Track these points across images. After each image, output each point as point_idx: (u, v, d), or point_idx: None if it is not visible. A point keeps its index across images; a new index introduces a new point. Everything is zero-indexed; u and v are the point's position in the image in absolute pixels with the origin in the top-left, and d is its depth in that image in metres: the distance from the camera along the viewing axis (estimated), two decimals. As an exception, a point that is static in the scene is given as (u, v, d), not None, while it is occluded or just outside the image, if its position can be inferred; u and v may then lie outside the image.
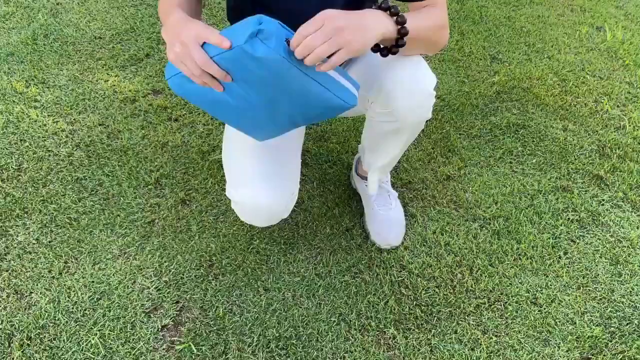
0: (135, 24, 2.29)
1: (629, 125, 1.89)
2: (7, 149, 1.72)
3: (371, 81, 1.13)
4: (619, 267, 1.44)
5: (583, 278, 1.42)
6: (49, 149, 1.73)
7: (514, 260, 1.46)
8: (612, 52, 2.25)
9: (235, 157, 1.16)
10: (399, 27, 0.91)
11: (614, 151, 1.78)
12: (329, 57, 0.84)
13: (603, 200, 1.63)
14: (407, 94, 1.07)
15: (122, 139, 1.77)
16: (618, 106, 1.98)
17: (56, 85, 1.97)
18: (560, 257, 1.47)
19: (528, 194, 1.64)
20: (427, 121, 1.86)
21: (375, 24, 0.87)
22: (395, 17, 0.91)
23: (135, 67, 2.06)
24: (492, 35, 2.32)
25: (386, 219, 1.50)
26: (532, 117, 1.90)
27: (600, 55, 2.23)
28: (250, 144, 1.16)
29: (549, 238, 1.52)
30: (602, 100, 1.99)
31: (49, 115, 1.85)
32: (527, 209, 1.59)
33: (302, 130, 1.34)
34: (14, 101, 1.88)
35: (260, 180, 1.11)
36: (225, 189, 1.52)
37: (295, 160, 1.23)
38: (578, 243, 1.51)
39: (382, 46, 0.97)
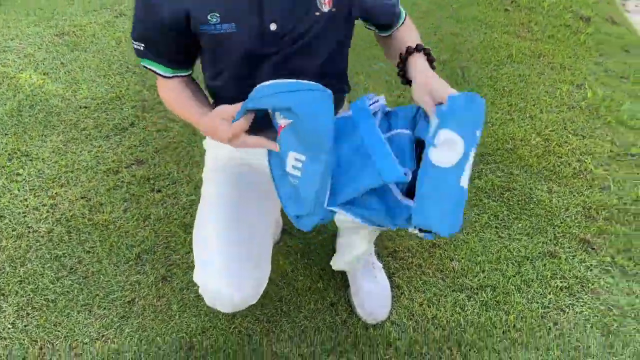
0: (120, 92, 2.30)
1: (614, 185, 1.89)
2: (-14, 226, 1.69)
3: None
4: (610, 337, 1.41)
5: (575, 351, 1.38)
6: (29, 225, 1.71)
7: (503, 333, 1.42)
8: (593, 110, 2.27)
9: (203, 241, 1.11)
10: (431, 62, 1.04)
11: (599, 213, 1.77)
12: None
13: (591, 265, 1.61)
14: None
15: (103, 212, 1.75)
16: (602, 165, 1.98)
17: (39, 157, 1.96)
18: (550, 329, 1.43)
19: (515, 261, 1.61)
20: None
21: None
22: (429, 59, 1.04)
23: (120, 137, 2.06)
24: (474, 95, 2.34)
25: (371, 292, 1.47)
26: (516, 180, 1.90)
27: (582, 113, 2.25)
28: (221, 227, 1.11)
29: (538, 308, 1.48)
30: (586, 160, 1.99)
31: (30, 190, 1.83)
32: (514, 276, 1.57)
33: (277, 207, 1.29)
34: (-5, 175, 1.87)
35: (224, 269, 1.05)
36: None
37: (265, 242, 1.17)
38: (568, 312, 1.47)
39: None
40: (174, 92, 1.10)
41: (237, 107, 0.95)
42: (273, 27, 0.98)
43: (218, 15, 0.96)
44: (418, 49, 1.03)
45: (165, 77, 1.08)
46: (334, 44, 1.08)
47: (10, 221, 1.72)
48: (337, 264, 1.47)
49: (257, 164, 1.20)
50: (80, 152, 2.00)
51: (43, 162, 1.94)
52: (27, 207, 1.77)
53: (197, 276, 1.09)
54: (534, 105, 2.29)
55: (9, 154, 1.97)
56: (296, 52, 1.03)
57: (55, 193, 1.82)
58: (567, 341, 1.40)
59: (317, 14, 1.01)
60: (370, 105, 1.03)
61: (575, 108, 2.29)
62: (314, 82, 0.91)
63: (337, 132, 0.99)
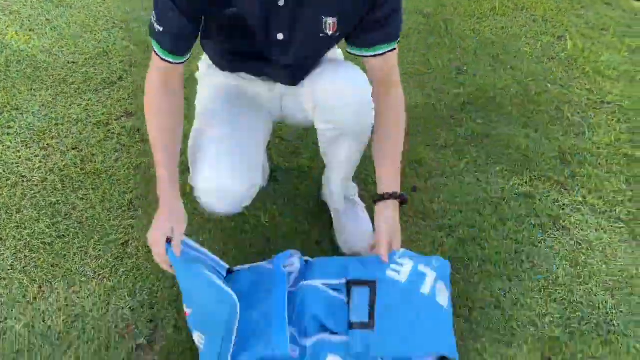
0: (107, 48, 2.32)
1: (589, 131, 1.96)
2: (-20, 176, 1.74)
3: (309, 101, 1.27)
4: (578, 269, 1.50)
5: (544, 280, 1.47)
6: (22, 174, 1.75)
7: (478, 266, 1.51)
8: (572, 61, 2.33)
9: (203, 146, 1.25)
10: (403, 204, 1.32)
11: (574, 157, 1.85)
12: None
13: (564, 205, 1.69)
14: (343, 104, 1.21)
15: (95, 162, 1.80)
16: (578, 113, 2.05)
17: (29, 111, 1.99)
18: (522, 262, 1.52)
19: (492, 202, 1.69)
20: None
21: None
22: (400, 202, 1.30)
23: (108, 91, 2.10)
24: (457, 47, 2.39)
25: (354, 230, 1.54)
26: (496, 127, 1.97)
27: (561, 64, 2.31)
28: (217, 135, 1.26)
29: (512, 243, 1.57)
30: (563, 108, 2.06)
31: (22, 142, 1.87)
32: (490, 216, 1.65)
33: (269, 127, 1.43)
34: (-13, 128, 1.91)
35: (225, 165, 1.22)
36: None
37: (259, 154, 1.34)
38: (539, 247, 1.56)
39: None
40: (163, 100, 1.20)
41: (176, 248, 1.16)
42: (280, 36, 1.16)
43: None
44: (390, 196, 1.28)
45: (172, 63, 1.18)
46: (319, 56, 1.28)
47: (4, 171, 1.76)
48: (324, 195, 1.60)
49: (252, 91, 1.35)
50: (70, 105, 2.03)
51: (33, 116, 1.97)
52: (19, 157, 1.81)
53: (194, 178, 1.24)
54: (515, 57, 2.34)
55: (0, 108, 2.00)
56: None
57: (47, 144, 1.87)
58: (537, 272, 1.49)
59: (322, 35, 1.15)
60: (286, 266, 1.27)
61: (555, 59, 2.34)
62: (225, 288, 1.12)
63: (250, 296, 1.22)
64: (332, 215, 1.61)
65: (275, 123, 1.49)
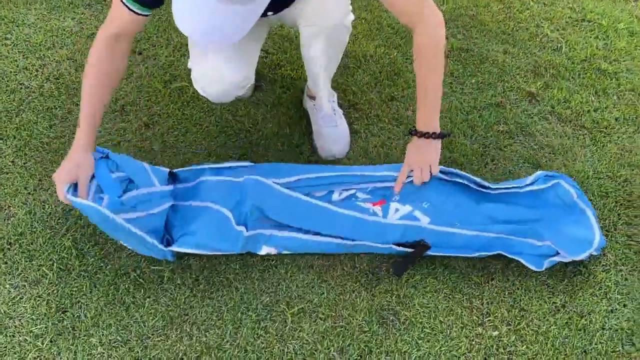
0: (99, -37, 2.36)
1: (565, 47, 2.02)
2: (-20, 83, 1.84)
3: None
4: (539, 170, 1.60)
5: (506, 175, 1.58)
6: (21, 82, 1.85)
7: (446, 165, 1.62)
8: (558, -20, 2.35)
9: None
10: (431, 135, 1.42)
11: (548, 70, 1.92)
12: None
13: (532, 113, 1.78)
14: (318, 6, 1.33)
15: (89, 71, 1.89)
16: (557, 30, 2.10)
17: (25, 23, 2.06)
18: (487, 163, 1.63)
19: (464, 110, 1.78)
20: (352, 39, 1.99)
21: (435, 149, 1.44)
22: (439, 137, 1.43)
23: (101, 5, 2.16)
24: (445, -34, 2.40)
25: (331, 135, 1.65)
26: (475, 42, 2.03)
27: (547, -17, 2.33)
28: None
29: (479, 147, 1.67)
30: (543, 25, 2.11)
31: (19, 52, 1.96)
32: (462, 123, 1.74)
33: (265, 29, 1.56)
34: (-15, 40, 1.99)
35: (222, 54, 1.37)
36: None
37: (253, 51, 1.49)
38: (505, 150, 1.67)
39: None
40: (104, 54, 1.29)
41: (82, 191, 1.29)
42: None
43: None
44: (420, 134, 1.40)
45: (137, 13, 1.24)
46: None
47: (2, 79, 1.86)
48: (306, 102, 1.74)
49: None
50: (64, 19, 2.10)
51: (29, 28, 2.05)
52: (17, 67, 1.90)
53: (192, 61, 1.43)
54: (501, -24, 2.36)
55: (-4, 21, 2.07)
56: None
57: (43, 55, 1.95)
58: (500, 172, 1.60)
59: None
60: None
61: (542, -22, 2.36)
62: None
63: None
64: (311, 120, 1.71)
65: (272, 27, 1.57)
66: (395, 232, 1.36)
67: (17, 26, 2.06)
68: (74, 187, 1.30)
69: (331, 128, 1.66)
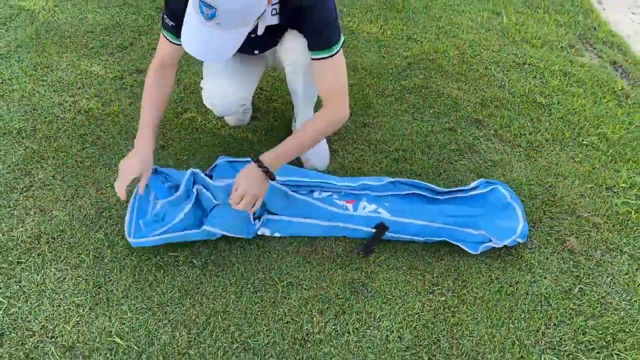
0: (120, 20, 2.80)
1: (508, 85, 2.45)
2: (23, 116, 2.21)
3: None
4: (480, 179, 1.98)
5: (455, 183, 1.96)
6: (57, 114, 2.23)
7: (407, 177, 1.99)
8: (506, 32, 2.81)
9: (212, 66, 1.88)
10: (267, 172, 1.57)
11: (493, 102, 2.34)
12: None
13: (479, 136, 2.18)
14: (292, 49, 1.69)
15: (113, 106, 2.28)
16: (503, 71, 2.54)
17: (58, 68, 2.47)
18: (440, 174, 2.01)
19: (423, 134, 2.18)
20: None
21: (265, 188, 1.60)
22: (264, 169, 1.57)
23: (122, 53, 2.58)
24: (410, 21, 2.87)
25: (314, 151, 2.02)
26: (434, 81, 2.45)
27: (496, 34, 2.79)
28: (228, 62, 1.83)
29: (434, 162, 2.06)
30: (491, 67, 2.55)
31: (54, 91, 2.35)
32: (421, 143, 2.13)
33: (262, 66, 1.96)
34: (25, 81, 2.38)
35: (228, 78, 1.83)
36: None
37: (253, 79, 1.91)
38: (455, 165, 2.05)
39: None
40: (159, 71, 1.70)
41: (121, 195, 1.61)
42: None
43: None
44: (259, 163, 1.56)
45: (173, 43, 1.64)
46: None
47: (41, 113, 2.24)
48: (294, 126, 2.10)
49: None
50: (91, 65, 2.51)
51: (62, 72, 2.45)
52: (53, 103, 2.29)
53: (204, 81, 1.88)
54: (457, 28, 2.82)
55: (34, 66, 2.48)
56: None
57: (75, 93, 2.35)
58: (451, 181, 1.98)
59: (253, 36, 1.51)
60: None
61: (491, 30, 2.83)
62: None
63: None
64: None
65: (267, 66, 2.00)
66: (362, 220, 1.72)
67: (51, 70, 2.46)
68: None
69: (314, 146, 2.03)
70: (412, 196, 1.85)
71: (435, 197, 1.84)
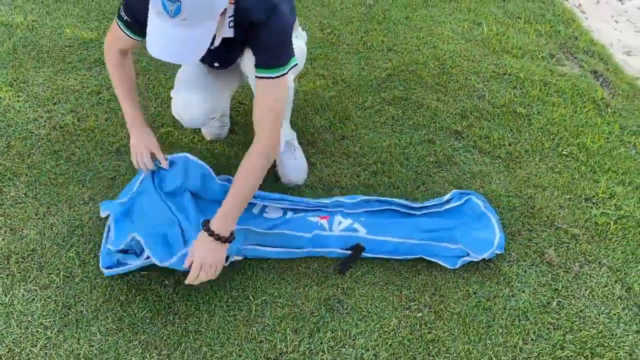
0: (98, 34, 2.78)
1: (488, 95, 2.44)
2: (-3, 132, 2.18)
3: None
4: (460, 189, 1.96)
5: (432, 195, 1.94)
6: (31, 130, 2.20)
7: (384, 190, 1.97)
8: (486, 42, 2.81)
9: (185, 75, 1.85)
10: (220, 238, 1.48)
11: (472, 113, 2.33)
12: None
13: (458, 147, 2.16)
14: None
15: (89, 121, 2.25)
16: (483, 82, 2.53)
17: (35, 83, 2.44)
18: (419, 186, 1.99)
19: (402, 146, 2.16)
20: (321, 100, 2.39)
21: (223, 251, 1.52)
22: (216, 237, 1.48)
23: (99, 68, 2.55)
24: (391, 32, 2.87)
25: (292, 166, 2.00)
26: (414, 92, 2.44)
27: (476, 45, 2.79)
28: (193, 76, 1.84)
29: (413, 174, 2.04)
30: (471, 78, 2.54)
31: (29, 107, 2.32)
32: (399, 155, 2.12)
33: (234, 80, 1.95)
34: (0, 97, 2.35)
35: (194, 91, 1.80)
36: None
37: (223, 92, 1.90)
38: (434, 177, 2.03)
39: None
40: (121, 57, 1.72)
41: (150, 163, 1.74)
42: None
43: None
44: (210, 232, 1.47)
45: (130, 37, 1.65)
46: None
47: (15, 129, 2.21)
48: None
49: None
50: (68, 79, 2.48)
51: (38, 87, 2.42)
52: (28, 118, 2.26)
53: (177, 92, 1.84)
54: (438, 39, 2.82)
55: (10, 82, 2.44)
56: None
57: (50, 109, 2.31)
58: (430, 193, 1.96)
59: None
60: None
61: (472, 41, 2.83)
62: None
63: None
64: (276, 156, 2.06)
65: (242, 81, 1.99)
66: (339, 241, 1.70)
67: (27, 86, 2.43)
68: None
69: (292, 160, 2.02)
70: (386, 211, 1.83)
71: (409, 212, 1.82)
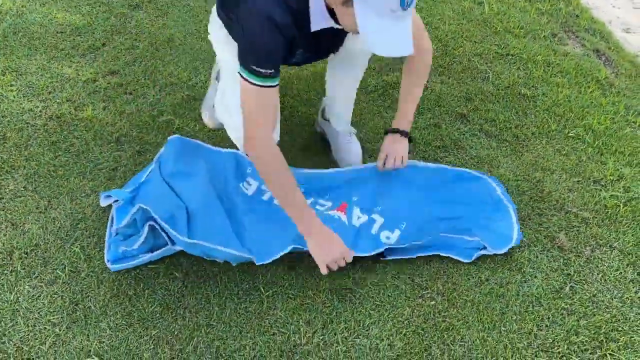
0: (91, 20, 2.70)
1: (492, 77, 2.41)
2: (-8, 123, 2.12)
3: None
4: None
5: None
6: (27, 121, 2.14)
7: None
8: (487, 22, 2.77)
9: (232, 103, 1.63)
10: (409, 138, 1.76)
11: (477, 96, 2.30)
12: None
13: (464, 131, 2.13)
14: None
15: (86, 110, 2.19)
16: (486, 63, 2.49)
17: (28, 72, 2.37)
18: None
19: (407, 131, 2.13)
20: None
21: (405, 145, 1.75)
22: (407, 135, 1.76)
23: (94, 55, 2.48)
24: (391, 13, 2.81)
25: (349, 150, 1.97)
26: (417, 75, 2.39)
27: (478, 25, 2.74)
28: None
29: (419, 159, 2.01)
30: (474, 60, 2.50)
31: (24, 96, 2.25)
32: (405, 141, 2.08)
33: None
34: (-7, 87, 2.28)
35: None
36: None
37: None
38: (441, 162, 2.01)
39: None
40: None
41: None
42: None
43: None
44: (395, 131, 1.73)
45: (273, 86, 1.43)
46: None
47: (10, 119, 2.15)
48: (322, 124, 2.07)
49: None
50: (62, 67, 2.41)
51: (31, 76, 2.36)
52: (23, 109, 2.20)
53: (226, 115, 1.75)
54: (438, 20, 2.77)
55: (2, 71, 2.37)
56: None
57: (45, 98, 2.25)
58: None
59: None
60: None
61: (473, 21, 2.78)
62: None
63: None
64: (330, 140, 2.02)
65: None
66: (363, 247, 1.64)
67: (20, 75, 2.36)
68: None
69: (349, 144, 1.99)
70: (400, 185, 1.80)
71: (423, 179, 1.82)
